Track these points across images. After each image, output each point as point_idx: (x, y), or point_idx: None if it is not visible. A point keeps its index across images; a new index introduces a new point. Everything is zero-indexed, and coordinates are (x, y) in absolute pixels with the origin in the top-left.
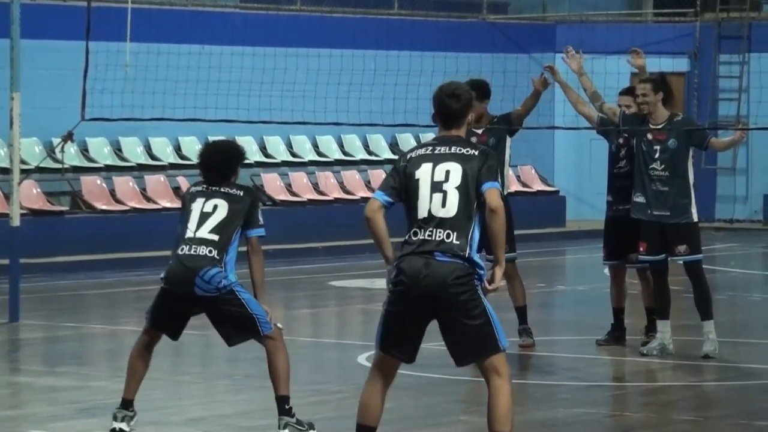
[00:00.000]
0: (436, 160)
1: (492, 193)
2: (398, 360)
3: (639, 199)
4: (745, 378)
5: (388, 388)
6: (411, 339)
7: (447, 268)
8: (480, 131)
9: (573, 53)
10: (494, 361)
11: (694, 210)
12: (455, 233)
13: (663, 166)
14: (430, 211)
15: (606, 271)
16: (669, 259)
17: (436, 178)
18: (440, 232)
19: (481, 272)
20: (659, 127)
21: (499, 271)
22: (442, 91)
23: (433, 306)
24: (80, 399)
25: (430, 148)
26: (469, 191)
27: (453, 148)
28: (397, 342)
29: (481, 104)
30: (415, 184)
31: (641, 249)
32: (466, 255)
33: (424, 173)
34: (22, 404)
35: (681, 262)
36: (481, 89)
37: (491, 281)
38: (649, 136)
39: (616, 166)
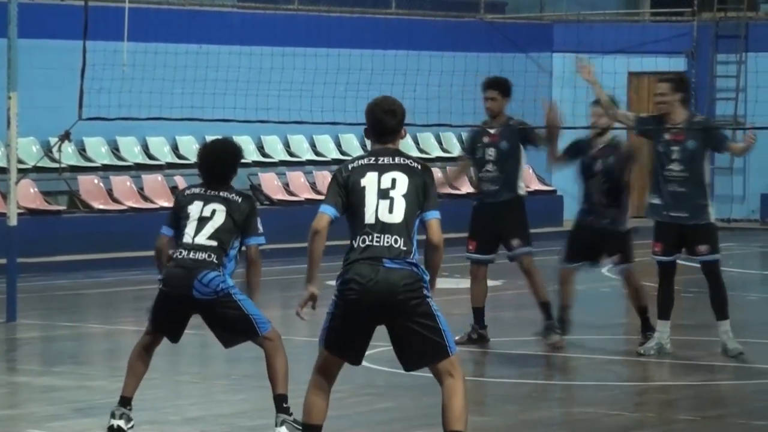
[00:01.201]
0: (381, 169)
1: (434, 225)
2: (344, 361)
3: (654, 200)
4: (743, 377)
5: (333, 386)
6: (358, 343)
7: (397, 274)
8: (493, 131)
9: (584, 63)
10: (446, 365)
11: (711, 210)
12: (402, 239)
13: (681, 167)
14: (377, 217)
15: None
16: (692, 259)
17: (383, 186)
18: (388, 238)
19: (426, 278)
20: (679, 127)
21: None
22: (378, 107)
23: (383, 312)
24: (78, 398)
25: (372, 158)
26: (414, 201)
27: (396, 159)
28: (342, 345)
29: (503, 101)
30: (360, 191)
31: (656, 249)
32: (413, 260)
33: (369, 181)
34: (19, 404)
35: (699, 263)
36: (503, 87)
37: None
38: (667, 137)
39: (591, 178)
